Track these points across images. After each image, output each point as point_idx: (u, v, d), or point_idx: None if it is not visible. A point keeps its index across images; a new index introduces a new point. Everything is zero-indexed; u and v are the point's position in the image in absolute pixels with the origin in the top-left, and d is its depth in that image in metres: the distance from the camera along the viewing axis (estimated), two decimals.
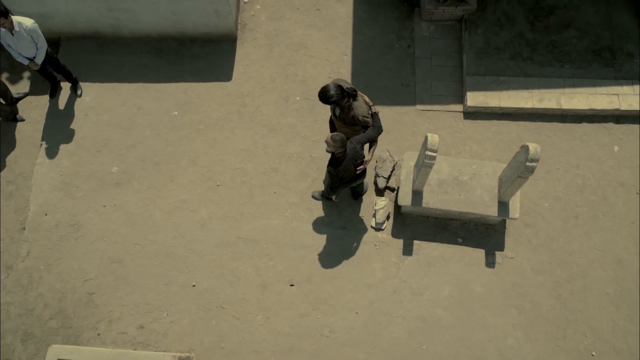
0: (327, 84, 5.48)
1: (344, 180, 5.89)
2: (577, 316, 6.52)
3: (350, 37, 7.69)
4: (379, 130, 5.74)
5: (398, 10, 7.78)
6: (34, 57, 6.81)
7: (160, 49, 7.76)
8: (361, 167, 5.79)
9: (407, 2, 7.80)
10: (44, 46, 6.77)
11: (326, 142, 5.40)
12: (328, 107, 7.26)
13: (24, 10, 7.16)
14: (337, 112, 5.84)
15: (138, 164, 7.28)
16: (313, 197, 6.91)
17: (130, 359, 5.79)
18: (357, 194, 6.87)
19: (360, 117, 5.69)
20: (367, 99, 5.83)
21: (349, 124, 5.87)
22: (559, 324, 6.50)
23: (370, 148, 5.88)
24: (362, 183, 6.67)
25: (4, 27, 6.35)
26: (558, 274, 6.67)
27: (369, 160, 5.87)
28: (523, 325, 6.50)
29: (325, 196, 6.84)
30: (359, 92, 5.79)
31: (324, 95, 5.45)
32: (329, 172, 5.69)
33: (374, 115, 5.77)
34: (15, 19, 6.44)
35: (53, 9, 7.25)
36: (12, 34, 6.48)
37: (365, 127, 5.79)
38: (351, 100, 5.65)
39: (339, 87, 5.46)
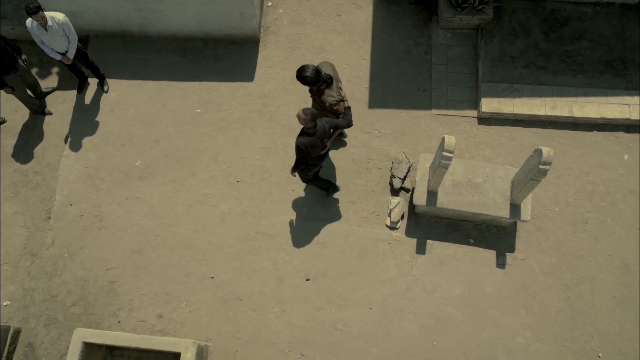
0: (307, 65, 5.89)
1: (309, 160, 6.19)
2: (585, 318, 6.69)
3: (369, 42, 7.94)
4: (348, 122, 6.19)
5: (416, 18, 8.03)
6: (66, 52, 7.08)
7: (185, 48, 8.03)
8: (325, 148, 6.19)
9: (425, 10, 8.05)
10: (75, 39, 7.05)
11: (297, 116, 5.73)
12: None
13: (56, 8, 7.44)
14: (313, 91, 6.23)
15: (161, 158, 7.52)
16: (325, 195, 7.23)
17: (152, 344, 5.98)
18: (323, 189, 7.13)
19: (327, 103, 6.07)
20: (343, 93, 6.21)
21: (319, 105, 6.27)
22: (567, 325, 6.67)
23: (333, 134, 6.30)
24: (329, 182, 7.02)
25: (39, 22, 6.63)
26: (567, 277, 6.85)
27: (329, 142, 6.26)
28: (532, 325, 6.67)
29: (325, 189, 7.11)
30: (340, 84, 6.18)
31: (299, 74, 5.87)
32: (297, 145, 5.92)
33: (347, 109, 6.19)
34: (48, 14, 6.73)
35: (84, 7, 7.54)
36: (46, 30, 6.76)
37: (333, 112, 6.16)
38: (324, 86, 6.03)
39: (316, 71, 5.86)
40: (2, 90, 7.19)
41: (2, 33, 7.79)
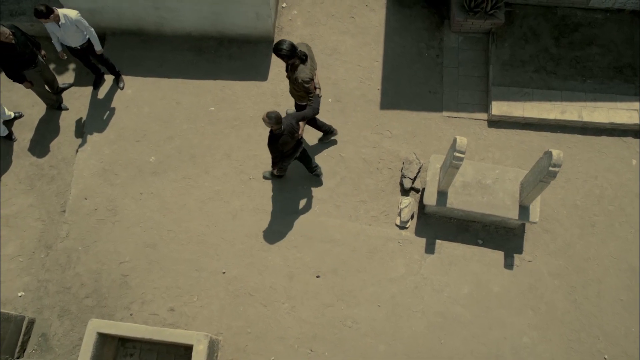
0: (285, 39, 6.17)
1: (284, 155, 6.41)
2: (591, 320, 6.77)
3: (381, 45, 8.05)
4: (314, 111, 6.45)
5: (428, 21, 8.14)
6: (82, 45, 7.24)
7: (200, 47, 8.16)
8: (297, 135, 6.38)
9: (437, 14, 8.17)
10: (92, 34, 7.20)
11: (262, 119, 5.93)
12: (358, 109, 7.68)
13: (75, 5, 7.58)
14: (288, 68, 6.43)
15: (175, 155, 7.64)
16: (264, 177, 7.43)
17: (165, 336, 6.08)
18: (310, 169, 7.28)
19: (299, 79, 6.30)
20: (316, 79, 6.46)
21: (293, 83, 6.48)
22: (573, 326, 6.75)
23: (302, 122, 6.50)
24: (312, 161, 7.16)
25: (49, 22, 6.83)
26: (574, 279, 6.93)
27: (301, 131, 6.43)
28: (538, 325, 6.75)
29: (275, 175, 7.30)
30: (314, 70, 6.41)
31: (276, 46, 6.16)
32: (269, 148, 6.20)
33: (316, 97, 6.43)
34: (61, 11, 6.89)
35: (103, 5, 7.68)
36: (59, 26, 6.92)
37: (304, 90, 6.40)
38: (298, 62, 6.28)
39: (292, 46, 6.15)
40: (21, 85, 7.31)
41: (22, 29, 7.92)
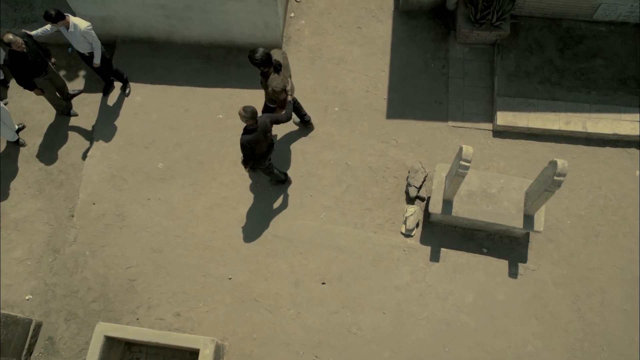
0: (261, 48, 6.24)
1: (256, 154, 6.47)
2: (595, 329, 6.80)
3: (388, 55, 8.15)
4: (288, 116, 6.56)
5: (434, 32, 8.25)
6: (89, 52, 7.36)
7: (209, 55, 8.27)
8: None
9: (443, 25, 8.27)
10: (98, 47, 7.30)
11: (239, 113, 6.03)
12: (365, 118, 7.77)
13: (87, 13, 7.72)
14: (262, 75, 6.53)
15: (183, 161, 7.72)
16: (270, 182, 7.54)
17: (172, 340, 6.12)
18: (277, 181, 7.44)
19: (270, 88, 6.42)
20: (289, 86, 6.55)
21: (265, 89, 6.62)
22: (577, 336, 6.78)
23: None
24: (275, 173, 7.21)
25: (59, 26, 6.99)
26: (578, 288, 6.97)
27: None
28: (542, 334, 6.78)
29: (275, 180, 7.39)
30: (289, 79, 6.55)
31: (250, 54, 6.24)
32: (241, 143, 6.24)
33: (289, 103, 6.54)
34: (72, 20, 7.00)
35: (114, 13, 7.79)
36: (67, 31, 7.05)
37: (275, 99, 6.49)
38: (271, 70, 6.37)
39: (267, 55, 6.22)
40: (32, 92, 7.42)
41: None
